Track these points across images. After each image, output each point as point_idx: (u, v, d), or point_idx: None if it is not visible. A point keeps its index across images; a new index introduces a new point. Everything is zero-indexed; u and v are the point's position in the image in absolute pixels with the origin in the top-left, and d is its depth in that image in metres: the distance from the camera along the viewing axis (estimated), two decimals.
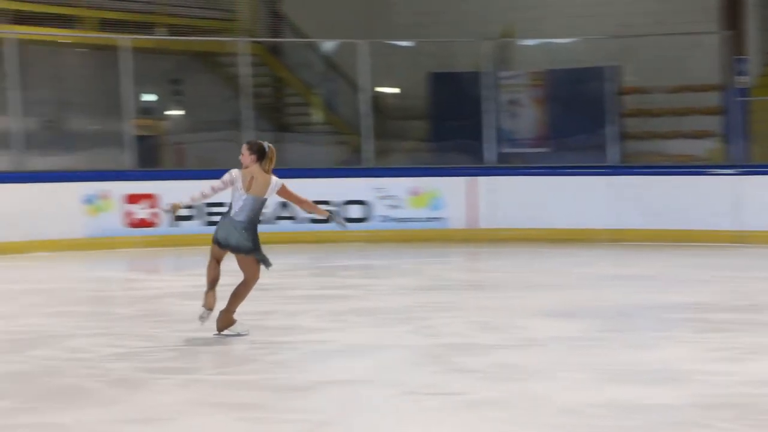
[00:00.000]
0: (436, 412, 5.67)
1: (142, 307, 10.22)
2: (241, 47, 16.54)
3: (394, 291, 10.99)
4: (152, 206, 13.96)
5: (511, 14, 18.70)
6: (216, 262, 7.63)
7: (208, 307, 7.59)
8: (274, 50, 19.59)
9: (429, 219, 15.62)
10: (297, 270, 12.83)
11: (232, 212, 7.50)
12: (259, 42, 18.38)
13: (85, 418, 5.58)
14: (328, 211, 8.22)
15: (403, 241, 15.39)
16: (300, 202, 7.96)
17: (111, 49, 15.04)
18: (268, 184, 7.51)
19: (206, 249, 7.80)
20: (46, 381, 6.55)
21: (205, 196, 7.75)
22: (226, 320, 7.69)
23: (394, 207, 15.55)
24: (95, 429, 5.39)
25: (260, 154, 7.51)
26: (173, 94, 18.80)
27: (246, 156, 7.55)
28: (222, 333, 7.70)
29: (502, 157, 16.49)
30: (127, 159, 14.85)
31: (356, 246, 15.10)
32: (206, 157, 16.65)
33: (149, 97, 17.39)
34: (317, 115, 20.85)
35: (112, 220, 14.36)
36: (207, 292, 7.60)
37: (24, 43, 14.60)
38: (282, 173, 7.79)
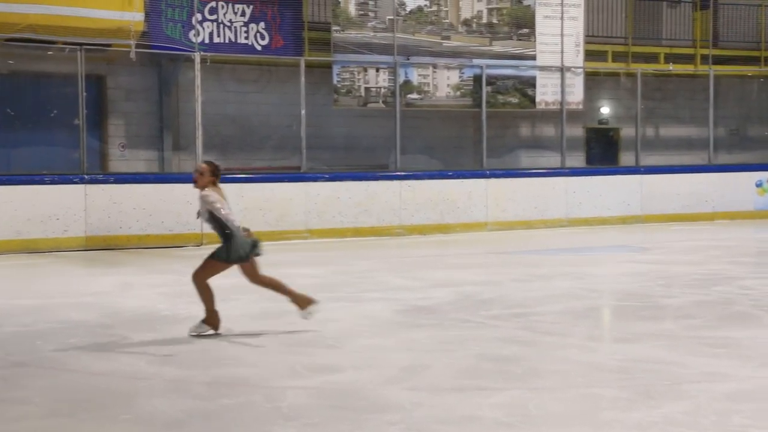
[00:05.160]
0: None
1: None
2: None
3: None
4: None
5: None
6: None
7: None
8: None
9: None
10: None
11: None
12: None
13: (752, 335, 7.54)
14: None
15: None
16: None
17: None
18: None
19: None
20: (722, 308, 8.78)
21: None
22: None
23: None
24: (760, 343, 7.28)
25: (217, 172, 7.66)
26: None
27: (206, 177, 7.57)
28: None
29: None
30: None
31: None
32: None
33: None
34: None
35: None
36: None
37: (718, 77, 20.25)
38: None
